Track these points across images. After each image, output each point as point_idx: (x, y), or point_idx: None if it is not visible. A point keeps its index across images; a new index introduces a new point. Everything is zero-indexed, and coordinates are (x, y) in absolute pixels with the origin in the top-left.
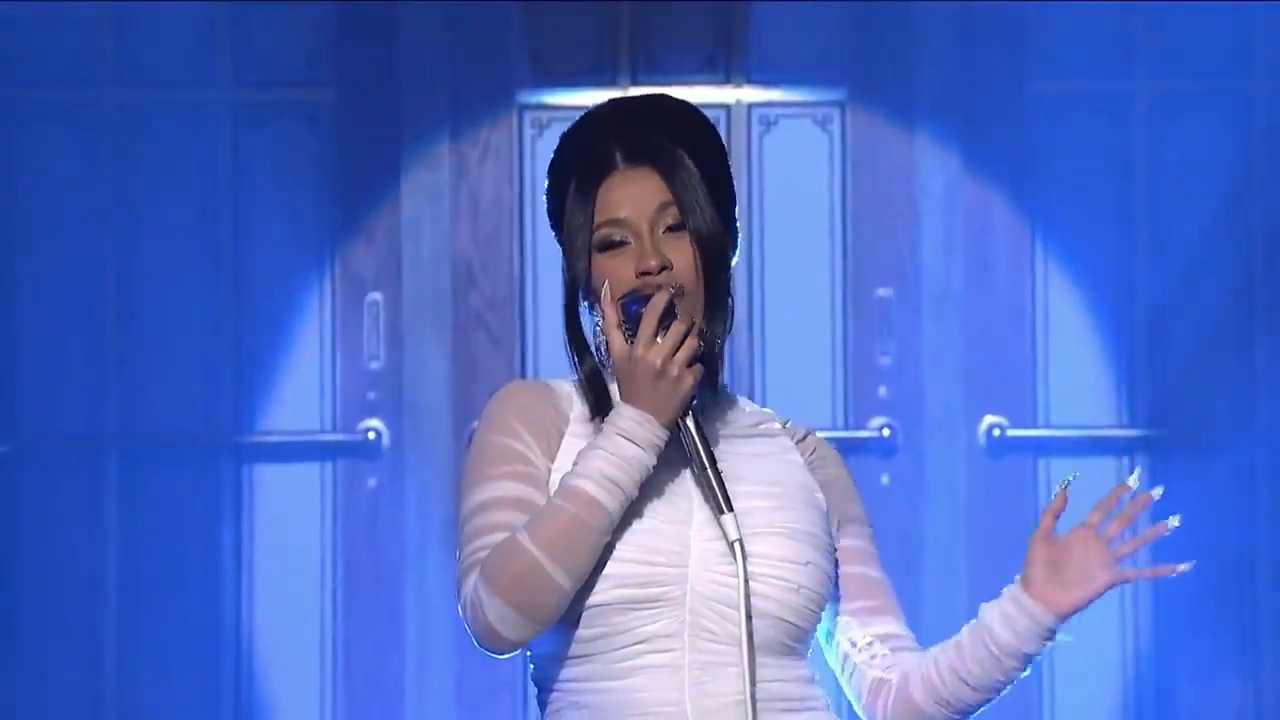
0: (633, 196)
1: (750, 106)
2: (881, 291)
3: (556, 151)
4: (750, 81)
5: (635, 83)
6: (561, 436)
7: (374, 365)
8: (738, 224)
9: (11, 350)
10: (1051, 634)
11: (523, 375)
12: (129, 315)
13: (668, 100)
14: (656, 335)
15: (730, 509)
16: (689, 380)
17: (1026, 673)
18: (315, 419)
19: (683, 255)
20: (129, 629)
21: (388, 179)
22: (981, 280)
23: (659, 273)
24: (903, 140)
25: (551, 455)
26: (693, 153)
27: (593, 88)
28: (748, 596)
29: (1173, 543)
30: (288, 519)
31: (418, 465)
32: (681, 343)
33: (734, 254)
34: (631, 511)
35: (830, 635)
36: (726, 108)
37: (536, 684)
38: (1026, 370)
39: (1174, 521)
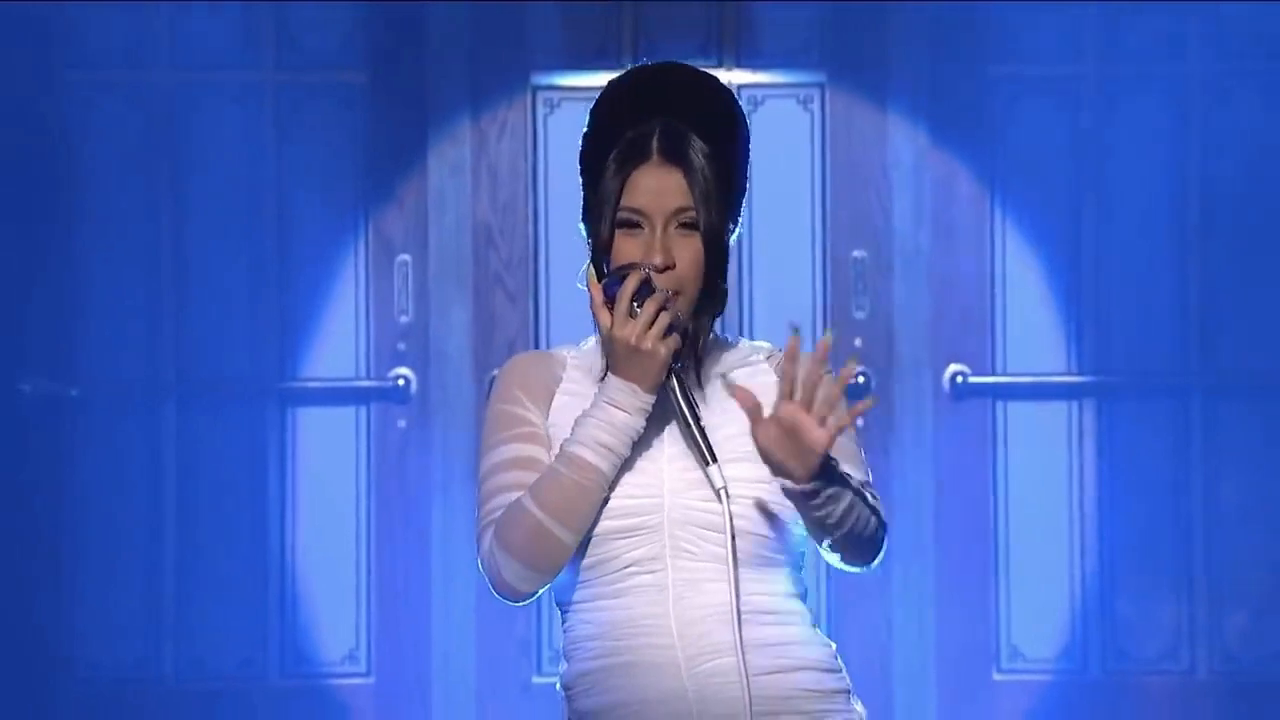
0: (657, 190)
1: (740, 87)
2: (857, 253)
3: (603, 112)
4: (740, 65)
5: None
6: (553, 396)
7: (403, 319)
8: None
9: (80, 304)
10: (815, 491)
11: (535, 328)
12: (185, 275)
13: (712, 95)
14: (630, 313)
15: (714, 460)
16: (662, 351)
17: (823, 502)
18: (351, 367)
19: (688, 252)
20: (185, 554)
21: (415, 153)
22: (946, 243)
23: (661, 271)
24: (876, 118)
25: (546, 413)
26: (719, 149)
27: (599, 70)
28: (734, 536)
29: (1116, 482)
30: (327, 456)
31: (442, 408)
32: (654, 319)
33: (733, 234)
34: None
35: None
36: None
37: (558, 606)
38: (986, 323)
39: (869, 402)
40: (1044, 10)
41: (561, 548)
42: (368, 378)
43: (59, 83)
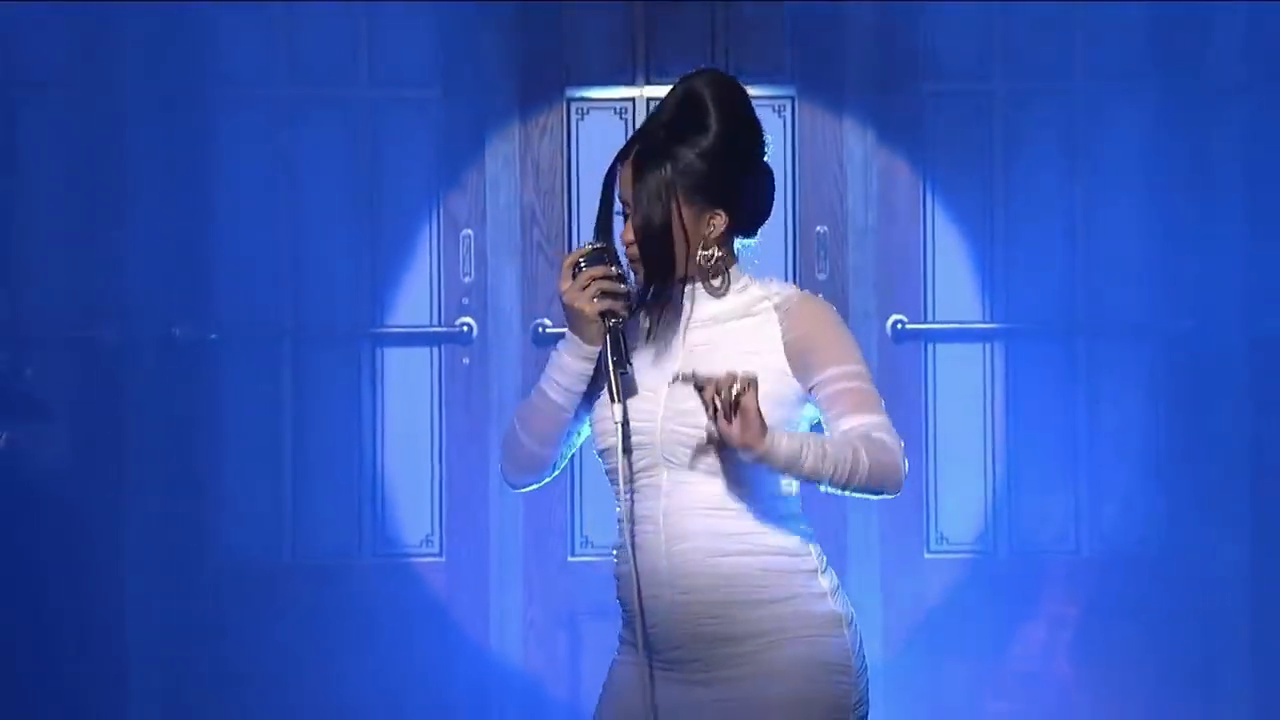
0: (624, 184)
1: None
2: (819, 228)
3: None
4: None
5: (649, 82)
6: None
7: (466, 279)
8: (739, 188)
9: (218, 267)
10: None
11: None
12: (299, 243)
13: (692, 104)
14: (573, 277)
15: (620, 401)
16: (588, 310)
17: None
18: (426, 316)
19: None
20: (300, 461)
21: (475, 150)
22: (888, 220)
23: (630, 245)
24: (834, 123)
25: None
26: (687, 149)
27: (618, 85)
28: (630, 458)
29: (1020, 406)
30: (408, 386)
31: (497, 349)
32: (588, 285)
33: (731, 209)
34: (634, 384)
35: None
36: None
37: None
38: (919, 282)
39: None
40: (964, 40)
41: (523, 448)
42: (439, 325)
43: (201, 95)
